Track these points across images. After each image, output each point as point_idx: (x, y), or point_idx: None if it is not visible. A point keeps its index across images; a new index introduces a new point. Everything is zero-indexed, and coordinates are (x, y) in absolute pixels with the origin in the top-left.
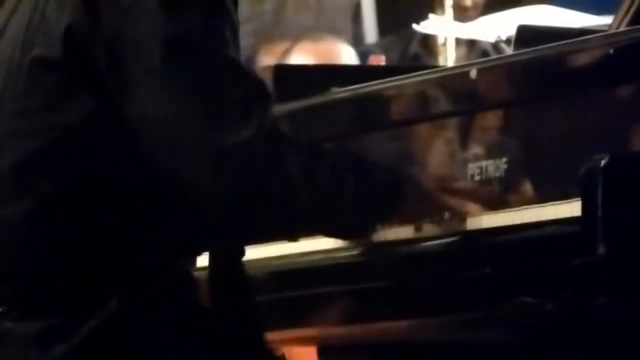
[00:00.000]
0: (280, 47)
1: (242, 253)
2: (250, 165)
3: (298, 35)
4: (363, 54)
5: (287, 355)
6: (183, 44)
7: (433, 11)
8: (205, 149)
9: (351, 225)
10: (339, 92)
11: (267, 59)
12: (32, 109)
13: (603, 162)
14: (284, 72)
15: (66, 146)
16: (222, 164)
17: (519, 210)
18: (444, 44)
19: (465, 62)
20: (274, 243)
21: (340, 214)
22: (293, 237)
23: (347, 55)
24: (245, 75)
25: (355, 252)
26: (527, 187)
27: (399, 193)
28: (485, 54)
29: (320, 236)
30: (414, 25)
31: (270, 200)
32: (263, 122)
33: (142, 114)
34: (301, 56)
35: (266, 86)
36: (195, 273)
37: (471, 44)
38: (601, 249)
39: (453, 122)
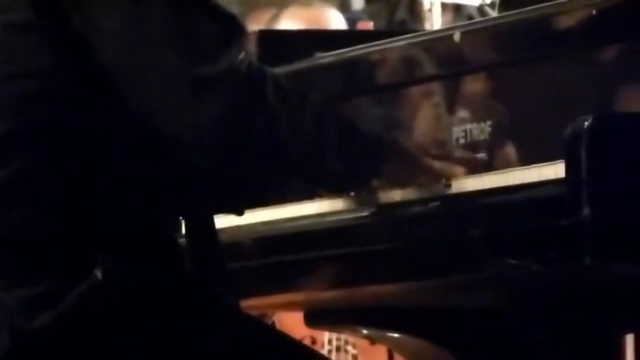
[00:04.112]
0: (267, 15)
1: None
2: (231, 95)
3: (286, 1)
4: (351, 20)
5: (276, 322)
6: None
7: None
8: (183, 81)
9: (333, 181)
10: (323, 57)
11: (254, 27)
12: (17, 73)
13: (587, 123)
14: (268, 37)
15: (51, 110)
16: (202, 95)
17: (503, 172)
18: (430, 10)
19: (449, 26)
20: (260, 208)
21: (323, 165)
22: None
23: (336, 21)
24: (216, 9)
25: (341, 216)
26: (512, 150)
27: (382, 156)
28: (471, 19)
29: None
30: None
31: (253, 139)
32: (241, 54)
33: (117, 64)
34: (290, 21)
35: (239, 20)
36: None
37: (457, 9)
38: (586, 210)
39: (437, 85)
